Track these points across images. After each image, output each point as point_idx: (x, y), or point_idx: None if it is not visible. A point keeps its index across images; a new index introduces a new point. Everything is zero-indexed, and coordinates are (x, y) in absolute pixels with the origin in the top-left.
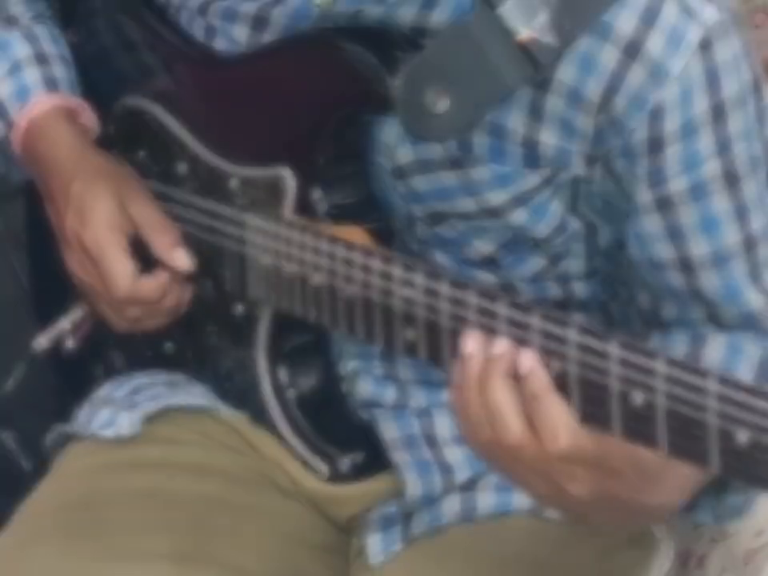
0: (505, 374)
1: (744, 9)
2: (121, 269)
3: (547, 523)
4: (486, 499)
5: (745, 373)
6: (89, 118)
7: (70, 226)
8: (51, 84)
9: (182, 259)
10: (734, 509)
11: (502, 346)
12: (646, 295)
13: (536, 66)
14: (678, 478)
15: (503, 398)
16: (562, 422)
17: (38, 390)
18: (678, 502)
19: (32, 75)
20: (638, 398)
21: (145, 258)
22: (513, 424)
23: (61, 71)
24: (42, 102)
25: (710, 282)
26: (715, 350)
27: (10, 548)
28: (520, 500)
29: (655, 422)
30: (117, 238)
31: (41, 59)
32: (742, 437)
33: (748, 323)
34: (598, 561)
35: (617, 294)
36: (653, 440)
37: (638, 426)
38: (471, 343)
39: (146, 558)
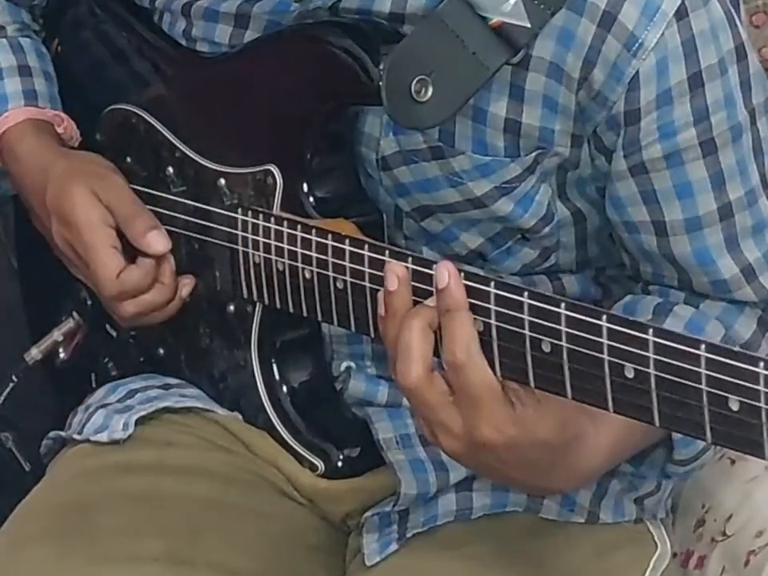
0: (426, 322)
1: (744, 9)
2: (106, 266)
3: (544, 522)
4: (482, 498)
5: None
6: (67, 127)
7: (57, 234)
8: (31, 96)
9: (156, 244)
10: (683, 463)
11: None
12: (627, 255)
13: (513, 47)
14: (598, 439)
15: (415, 339)
16: (463, 338)
17: (37, 391)
18: (604, 466)
19: (12, 85)
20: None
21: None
22: (414, 366)
23: (42, 85)
24: (13, 115)
25: (681, 247)
26: (676, 323)
27: (4, 549)
28: (516, 499)
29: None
30: (103, 235)
31: (23, 71)
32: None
33: (718, 291)
34: (595, 560)
35: (609, 293)
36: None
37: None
38: (394, 279)
39: (139, 560)
